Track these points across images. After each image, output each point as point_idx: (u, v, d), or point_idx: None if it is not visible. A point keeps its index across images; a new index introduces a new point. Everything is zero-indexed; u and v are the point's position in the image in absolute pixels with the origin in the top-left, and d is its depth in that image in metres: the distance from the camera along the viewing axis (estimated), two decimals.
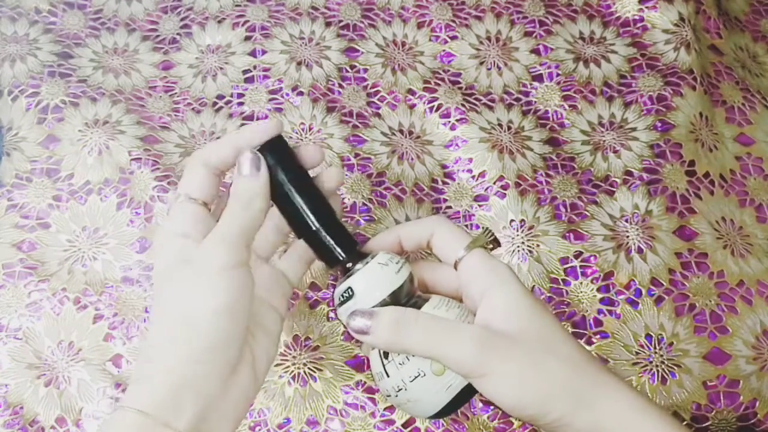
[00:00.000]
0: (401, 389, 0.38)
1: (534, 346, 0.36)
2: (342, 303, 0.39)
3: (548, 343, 0.36)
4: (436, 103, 0.60)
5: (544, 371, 0.35)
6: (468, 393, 0.38)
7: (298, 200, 0.39)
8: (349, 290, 0.39)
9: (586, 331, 0.53)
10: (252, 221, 0.38)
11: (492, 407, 0.51)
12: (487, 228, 0.41)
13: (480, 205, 0.56)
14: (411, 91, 0.60)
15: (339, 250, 0.40)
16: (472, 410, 0.51)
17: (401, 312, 0.37)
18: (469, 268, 0.39)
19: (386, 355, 0.38)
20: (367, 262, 0.39)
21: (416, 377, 0.37)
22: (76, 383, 0.50)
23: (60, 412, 0.50)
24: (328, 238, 0.40)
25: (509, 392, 0.35)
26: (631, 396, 0.36)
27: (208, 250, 0.37)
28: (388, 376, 0.38)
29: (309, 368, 0.51)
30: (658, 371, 0.52)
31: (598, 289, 0.54)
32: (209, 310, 0.35)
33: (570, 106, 0.61)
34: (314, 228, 0.40)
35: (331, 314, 0.52)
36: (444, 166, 0.58)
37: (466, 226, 0.56)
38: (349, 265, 0.40)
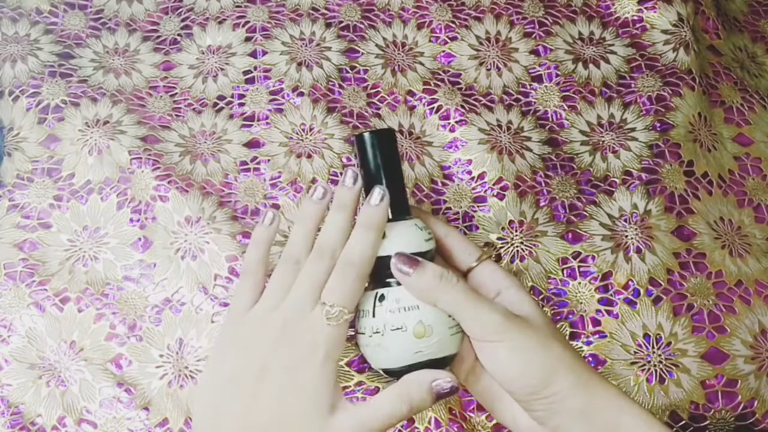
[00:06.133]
0: (378, 332, 0.40)
1: (544, 330, 0.40)
2: None
3: (553, 331, 0.41)
4: (435, 105, 0.60)
5: (551, 349, 0.39)
6: (428, 367, 0.40)
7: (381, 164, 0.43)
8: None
9: (584, 331, 0.53)
10: None
11: None
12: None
13: (479, 206, 0.56)
14: (411, 93, 0.60)
15: (391, 209, 0.42)
16: (470, 412, 0.51)
17: (444, 270, 0.40)
18: (490, 272, 0.43)
19: (381, 298, 0.41)
20: (406, 219, 0.42)
21: (398, 329, 0.40)
22: (78, 383, 0.51)
23: (62, 412, 0.50)
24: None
25: (520, 359, 0.39)
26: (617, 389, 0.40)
27: None
28: (374, 316, 0.40)
29: None
30: (656, 371, 0.52)
31: (597, 289, 0.54)
32: None
33: (569, 106, 0.61)
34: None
35: None
36: (443, 167, 0.58)
37: (466, 227, 0.56)
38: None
